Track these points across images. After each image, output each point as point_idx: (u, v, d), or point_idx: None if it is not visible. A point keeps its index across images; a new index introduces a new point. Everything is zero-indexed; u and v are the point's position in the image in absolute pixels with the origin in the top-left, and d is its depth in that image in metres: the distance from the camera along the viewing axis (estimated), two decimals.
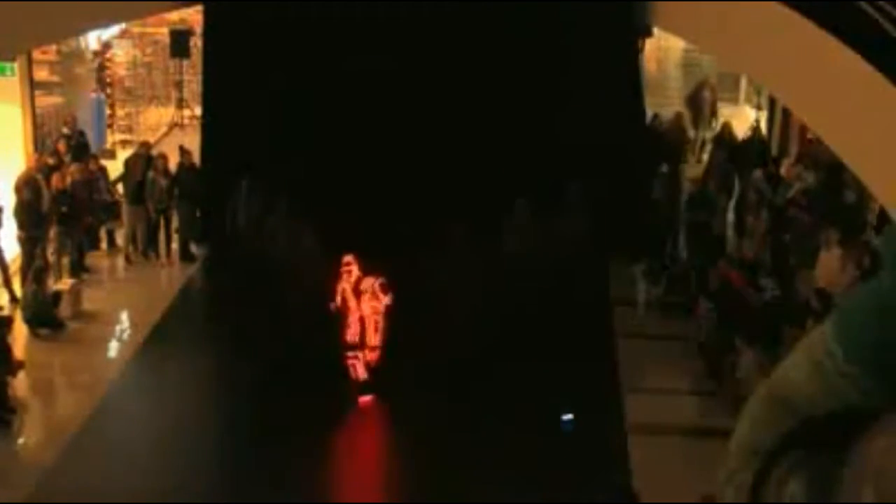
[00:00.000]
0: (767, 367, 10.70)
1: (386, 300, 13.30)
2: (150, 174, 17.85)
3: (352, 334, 13.34)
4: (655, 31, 18.92)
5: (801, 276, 14.85)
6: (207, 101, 18.58)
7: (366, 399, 13.45)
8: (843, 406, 1.48)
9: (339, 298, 13.47)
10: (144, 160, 18.27)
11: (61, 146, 18.63)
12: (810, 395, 1.54)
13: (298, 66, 17.27)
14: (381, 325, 13.36)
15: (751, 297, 14.24)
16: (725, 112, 24.90)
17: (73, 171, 17.18)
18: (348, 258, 13.49)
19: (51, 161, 17.84)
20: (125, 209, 18.04)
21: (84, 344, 15.22)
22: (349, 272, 13.38)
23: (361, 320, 13.31)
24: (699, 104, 23.66)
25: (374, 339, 13.36)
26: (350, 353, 13.40)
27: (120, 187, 18.54)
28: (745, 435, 1.61)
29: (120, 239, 18.30)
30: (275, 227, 16.17)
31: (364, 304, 13.28)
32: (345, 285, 13.40)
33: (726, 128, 20.85)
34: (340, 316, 13.47)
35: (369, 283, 13.31)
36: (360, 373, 13.42)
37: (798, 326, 12.77)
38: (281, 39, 17.31)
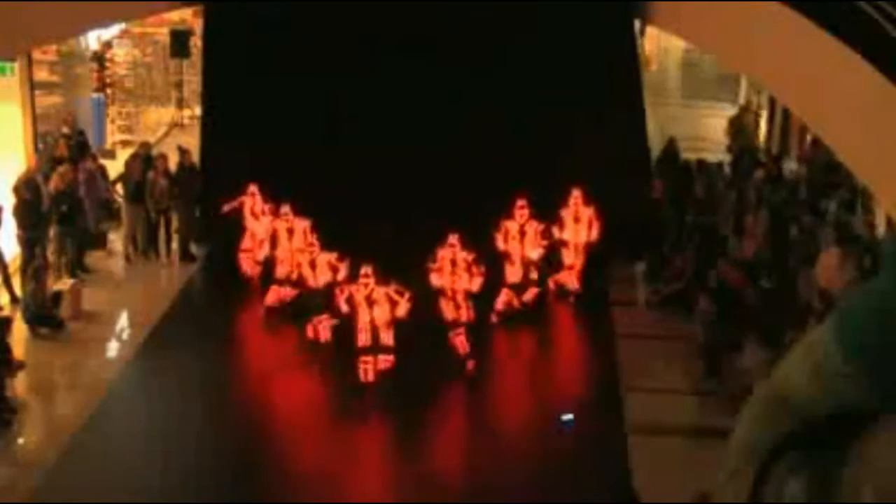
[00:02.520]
0: (767, 367, 10.69)
1: (404, 303, 13.23)
2: (150, 174, 17.84)
3: (363, 339, 13.32)
4: (656, 31, 18.89)
5: (801, 276, 14.82)
6: (207, 101, 18.59)
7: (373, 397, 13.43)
8: (843, 406, 1.48)
9: (344, 306, 13.44)
10: (144, 160, 18.27)
11: (61, 146, 18.61)
12: (810, 396, 1.54)
13: (298, 65, 17.26)
14: (392, 329, 13.30)
15: (750, 297, 14.23)
16: (726, 112, 24.92)
17: (63, 173, 17.06)
18: (365, 269, 13.38)
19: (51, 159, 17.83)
20: (125, 209, 18.03)
21: (84, 344, 15.20)
22: (366, 284, 13.31)
23: (373, 324, 13.27)
24: (743, 128, 23.34)
25: (388, 339, 13.34)
26: (364, 357, 13.39)
27: (120, 187, 18.54)
28: (745, 435, 1.61)
29: (119, 239, 18.29)
30: None
31: (376, 310, 13.25)
32: (355, 294, 13.36)
33: (772, 164, 20.53)
34: (350, 322, 13.43)
35: (382, 292, 13.29)
36: (369, 376, 13.39)
37: (798, 326, 12.75)
38: (281, 39, 17.30)
